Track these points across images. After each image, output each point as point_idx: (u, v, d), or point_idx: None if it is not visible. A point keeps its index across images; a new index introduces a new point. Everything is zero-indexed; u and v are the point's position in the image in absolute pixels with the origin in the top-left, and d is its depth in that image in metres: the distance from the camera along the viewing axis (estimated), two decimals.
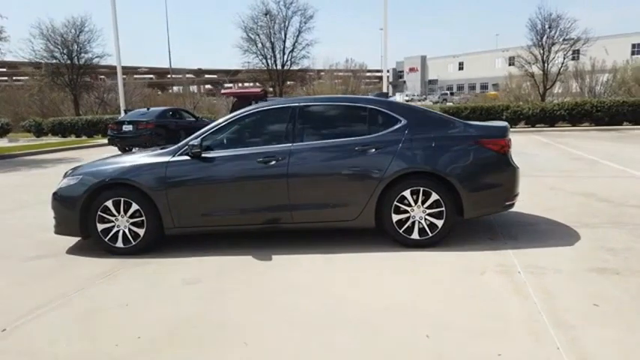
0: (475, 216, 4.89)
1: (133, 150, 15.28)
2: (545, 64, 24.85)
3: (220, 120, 5.17)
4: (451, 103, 40.94)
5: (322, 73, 33.85)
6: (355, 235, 5.15)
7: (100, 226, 4.91)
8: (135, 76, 52.61)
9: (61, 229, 5.12)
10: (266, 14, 30.04)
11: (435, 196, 4.67)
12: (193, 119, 17.68)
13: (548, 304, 3.39)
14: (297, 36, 31.34)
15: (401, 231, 4.75)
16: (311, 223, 4.92)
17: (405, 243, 4.76)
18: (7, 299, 3.96)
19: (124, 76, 26.51)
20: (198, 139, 4.92)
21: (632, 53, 57.70)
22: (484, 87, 74.36)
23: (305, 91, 33.36)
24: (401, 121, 4.84)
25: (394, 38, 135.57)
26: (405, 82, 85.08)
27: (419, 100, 62.79)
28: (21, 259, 4.96)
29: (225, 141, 5.03)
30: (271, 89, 30.05)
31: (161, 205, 4.84)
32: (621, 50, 53.19)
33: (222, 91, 21.65)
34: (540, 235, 5.04)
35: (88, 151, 17.28)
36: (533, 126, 20.24)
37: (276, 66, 31.18)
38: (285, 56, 31.23)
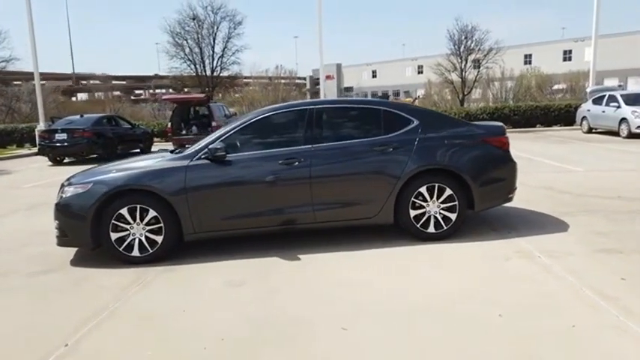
0: (483, 209, 5.28)
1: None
2: (463, 72, 26.70)
3: (237, 122, 5.15)
4: None
5: (250, 80, 33.65)
6: (366, 232, 5.32)
7: (114, 236, 4.70)
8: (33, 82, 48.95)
9: (68, 240, 4.84)
10: (193, 19, 29.42)
11: (448, 192, 4.99)
12: (129, 127, 16.94)
13: (583, 281, 3.80)
14: (227, 42, 31.04)
15: (418, 225, 5.02)
16: (332, 222, 5.04)
17: (421, 237, 5.03)
18: (42, 315, 3.71)
19: (22, 82, 24.61)
20: (218, 142, 4.87)
21: (525, 63, 63.13)
22: (396, 94, 77.74)
23: (231, 98, 32.97)
24: (413, 121, 5.12)
25: (310, 46, 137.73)
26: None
27: None
28: (26, 275, 4.61)
29: (243, 143, 5.02)
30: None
31: (181, 210, 4.72)
32: (516, 60, 57.97)
33: (164, 96, 20.80)
34: (534, 224, 5.54)
35: (12, 163, 15.92)
36: None
37: (205, 72, 30.59)
38: (215, 62, 30.80)
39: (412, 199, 4.98)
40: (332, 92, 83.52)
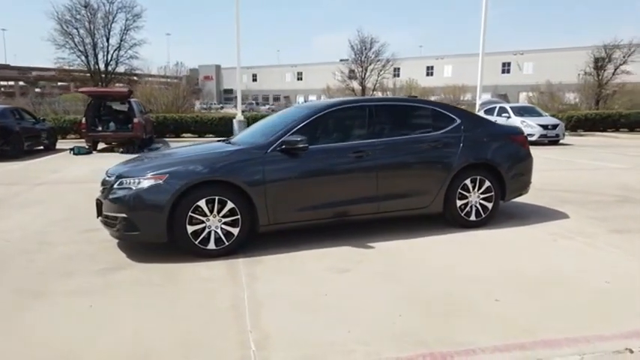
0: (510, 199, 5.99)
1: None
2: (363, 80, 28.32)
3: (299, 117, 5.16)
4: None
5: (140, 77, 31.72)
6: (403, 222, 5.68)
7: (190, 228, 4.50)
8: None
9: (138, 234, 4.51)
10: (85, 6, 26.98)
11: (487, 184, 5.60)
12: (34, 121, 15.22)
13: (630, 253, 4.63)
14: (124, 34, 28.96)
15: (462, 214, 5.55)
16: (392, 212, 5.34)
17: (464, 224, 5.57)
18: (180, 310, 3.51)
19: None
20: (289, 135, 4.89)
21: (394, 75, 68.28)
22: (277, 99, 78.78)
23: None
24: (456, 120, 5.64)
25: (182, 45, 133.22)
26: (200, 89, 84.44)
27: (218, 109, 62.78)
28: (96, 274, 4.23)
29: (310, 137, 5.06)
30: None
31: (259, 202, 4.69)
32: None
33: (81, 89, 18.76)
34: (538, 213, 6.39)
35: None
36: None
37: (98, 66, 28.17)
38: (109, 55, 28.49)
39: (459, 190, 5.49)
40: (212, 93, 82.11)
